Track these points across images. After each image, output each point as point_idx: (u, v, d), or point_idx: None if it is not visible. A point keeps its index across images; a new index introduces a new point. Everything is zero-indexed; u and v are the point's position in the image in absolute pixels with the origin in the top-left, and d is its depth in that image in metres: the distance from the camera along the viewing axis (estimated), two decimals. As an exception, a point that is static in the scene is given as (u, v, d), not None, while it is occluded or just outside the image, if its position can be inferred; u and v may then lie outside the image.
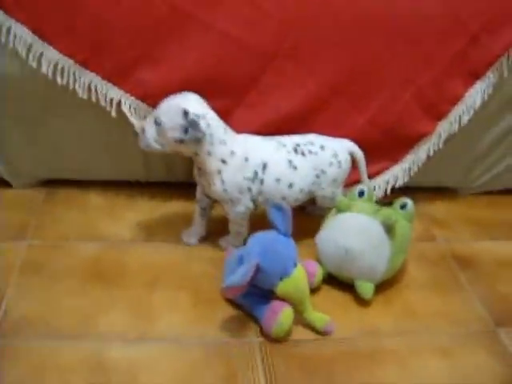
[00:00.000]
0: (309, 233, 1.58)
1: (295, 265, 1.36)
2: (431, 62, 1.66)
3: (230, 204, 1.53)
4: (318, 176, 1.58)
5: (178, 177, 1.80)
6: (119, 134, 1.70)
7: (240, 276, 1.30)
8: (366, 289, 1.47)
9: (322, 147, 1.59)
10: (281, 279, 1.34)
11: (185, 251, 1.62)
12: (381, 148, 1.73)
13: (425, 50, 1.65)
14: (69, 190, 1.82)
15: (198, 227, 1.65)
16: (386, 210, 1.51)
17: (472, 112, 1.72)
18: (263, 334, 1.36)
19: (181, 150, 1.47)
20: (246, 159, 1.50)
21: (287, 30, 1.57)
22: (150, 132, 1.44)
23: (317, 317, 1.39)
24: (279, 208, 1.38)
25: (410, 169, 1.79)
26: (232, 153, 1.48)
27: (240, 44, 1.57)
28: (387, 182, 1.78)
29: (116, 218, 1.72)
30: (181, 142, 1.42)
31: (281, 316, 1.33)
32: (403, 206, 1.54)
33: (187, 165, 1.70)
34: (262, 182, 1.52)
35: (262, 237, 1.39)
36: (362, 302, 1.48)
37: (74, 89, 1.58)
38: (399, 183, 1.79)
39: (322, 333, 1.38)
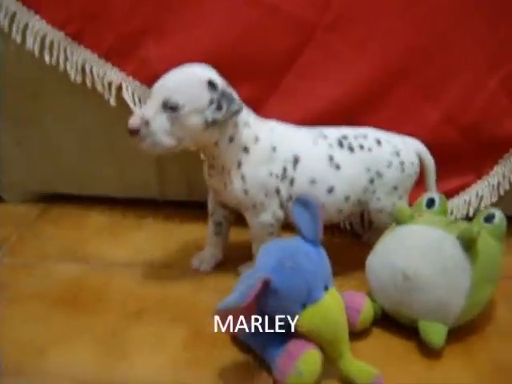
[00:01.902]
0: (362, 265, 1.10)
1: (326, 288, 0.91)
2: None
3: (253, 212, 1.10)
4: (371, 181, 1.14)
5: (200, 195, 1.35)
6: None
7: (238, 295, 0.85)
8: (434, 333, 0.98)
9: (379, 142, 1.15)
10: (303, 307, 0.89)
11: (190, 280, 1.19)
12: (459, 155, 1.27)
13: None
14: (68, 207, 1.48)
15: (211, 249, 1.22)
16: (464, 223, 1.03)
17: None
18: None
19: (201, 142, 1.06)
20: (274, 149, 1.09)
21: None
22: (159, 123, 1.01)
23: (359, 368, 0.90)
24: (305, 203, 0.94)
25: (499, 185, 1.30)
26: (256, 139, 1.08)
27: (270, 10, 1.20)
28: (468, 204, 1.30)
29: (117, 239, 1.34)
30: (208, 126, 1.02)
31: (300, 362, 0.87)
32: (489, 218, 1.06)
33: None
34: (292, 182, 1.10)
35: (279, 245, 0.95)
36: (430, 352, 0.99)
37: (65, 71, 1.26)
38: (485, 204, 1.31)
39: None
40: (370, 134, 1.17)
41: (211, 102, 1.01)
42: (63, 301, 1.11)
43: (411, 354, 0.99)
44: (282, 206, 1.10)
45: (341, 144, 1.13)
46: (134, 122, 1.00)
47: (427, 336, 0.98)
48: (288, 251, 0.92)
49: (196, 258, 1.22)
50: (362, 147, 1.14)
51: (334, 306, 0.91)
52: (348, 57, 1.22)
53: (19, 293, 1.13)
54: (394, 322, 1.05)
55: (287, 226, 1.10)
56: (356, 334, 1.00)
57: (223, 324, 0.87)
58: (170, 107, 1.00)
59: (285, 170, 1.09)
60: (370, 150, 1.14)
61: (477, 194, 1.30)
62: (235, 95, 1.05)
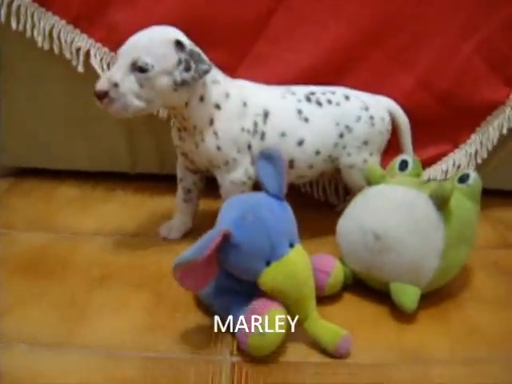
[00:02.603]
0: (334, 233, 1.04)
1: (291, 244, 0.85)
2: (503, 1, 1.16)
3: (225, 169, 1.05)
4: (341, 135, 1.10)
5: (172, 168, 1.26)
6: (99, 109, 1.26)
7: (196, 248, 0.79)
8: (406, 295, 0.92)
9: (347, 97, 1.12)
10: (267, 264, 0.83)
11: (157, 248, 1.13)
12: (435, 122, 1.22)
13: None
14: (38, 181, 1.40)
15: (181, 216, 1.16)
16: (437, 182, 0.98)
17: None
18: (239, 350, 0.85)
19: (171, 103, 1.01)
20: (245, 104, 1.05)
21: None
22: (128, 84, 0.95)
23: (326, 329, 0.85)
24: (269, 157, 0.89)
25: (476, 153, 1.24)
26: (227, 95, 1.04)
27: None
28: (445, 173, 1.25)
29: (86, 211, 1.28)
30: (177, 87, 0.97)
31: (263, 321, 0.81)
32: (464, 179, 1.00)
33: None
34: (262, 136, 1.06)
35: (241, 199, 0.89)
36: (402, 316, 0.93)
37: (32, 38, 1.19)
38: (462, 174, 1.23)
39: (332, 353, 0.83)
40: (339, 90, 1.13)
41: (179, 63, 0.96)
42: (26, 268, 1.04)
43: (383, 319, 0.94)
44: (253, 162, 1.06)
45: (308, 99, 1.10)
46: (101, 84, 0.95)
47: (399, 298, 0.92)
48: (250, 205, 0.86)
49: (164, 227, 1.17)
50: (330, 102, 1.10)
51: (299, 262, 0.84)
52: (320, 22, 1.18)
53: (-19, 260, 1.07)
54: (365, 287, 1.00)
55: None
56: (326, 299, 0.95)
57: (183, 282, 0.81)
58: (138, 68, 0.95)
59: (256, 124, 1.05)
60: (338, 104, 1.10)
61: (454, 163, 1.25)
62: (203, 55, 1.00)
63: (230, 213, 0.85)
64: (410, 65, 1.19)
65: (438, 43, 1.18)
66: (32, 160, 1.37)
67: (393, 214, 0.94)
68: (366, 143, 1.11)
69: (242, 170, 1.05)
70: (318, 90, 1.12)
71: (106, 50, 1.19)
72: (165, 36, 0.98)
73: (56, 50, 1.19)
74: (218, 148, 1.03)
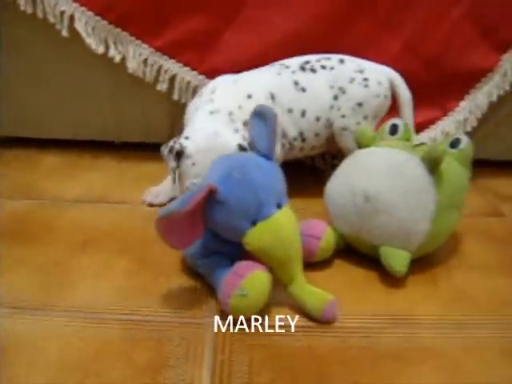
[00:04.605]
0: (322, 199, 1.00)
1: (279, 205, 0.80)
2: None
3: None
4: (336, 97, 1.06)
5: (157, 136, 1.26)
6: (84, 74, 1.21)
7: (180, 201, 0.75)
8: (396, 258, 0.88)
9: (342, 61, 1.08)
10: (253, 223, 0.78)
11: (143, 213, 1.08)
12: (424, 89, 1.15)
13: None
14: (23, 150, 1.34)
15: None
16: (428, 146, 0.93)
17: (551, 40, 1.14)
18: (223, 312, 0.81)
19: None
20: (249, 96, 1.03)
21: None
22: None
23: (311, 293, 0.80)
24: (260, 114, 0.83)
25: (465, 121, 1.19)
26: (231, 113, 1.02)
27: None
28: (434, 141, 1.19)
29: (70, 178, 1.22)
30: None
31: (246, 282, 0.76)
32: (455, 144, 0.95)
33: (167, 124, 1.25)
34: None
35: (229, 157, 0.84)
36: (391, 280, 0.89)
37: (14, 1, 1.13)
38: (451, 142, 1.18)
39: (317, 318, 0.79)
40: (335, 56, 1.09)
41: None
42: (9, 233, 1.00)
43: (372, 283, 0.90)
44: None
45: (303, 68, 1.06)
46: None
47: (389, 262, 0.88)
48: (238, 162, 0.81)
49: (150, 193, 1.11)
50: (324, 67, 1.06)
51: (286, 224, 0.79)
52: (308, -15, 1.11)
53: (-38, 227, 1.01)
54: (355, 252, 0.95)
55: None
56: (316, 264, 0.90)
57: (166, 238, 0.77)
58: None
59: None
60: (332, 68, 1.06)
61: (442, 131, 1.19)
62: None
63: (218, 169, 0.80)
64: (397, 29, 1.13)
65: (427, 6, 1.12)
66: (16, 129, 1.31)
67: (384, 176, 0.89)
68: (360, 105, 1.06)
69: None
70: (312, 58, 1.08)
71: (90, 13, 1.12)
72: (229, 150, 0.93)
73: (40, 14, 1.13)
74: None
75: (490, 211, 1.15)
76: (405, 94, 1.10)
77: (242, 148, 0.93)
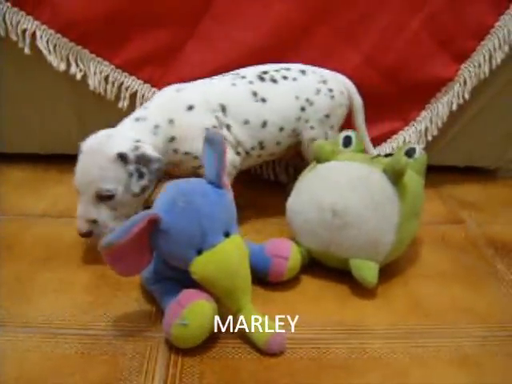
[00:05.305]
0: (282, 211, 1.00)
1: (227, 234, 0.79)
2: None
3: None
4: (303, 108, 1.06)
5: None
6: (49, 89, 1.22)
7: (121, 231, 0.74)
8: (367, 270, 0.89)
9: (304, 72, 1.08)
10: (198, 253, 0.77)
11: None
12: (385, 99, 1.18)
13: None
14: None
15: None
16: (385, 159, 0.95)
17: (507, 49, 1.15)
18: None
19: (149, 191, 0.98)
20: (190, 108, 1.00)
21: None
22: (104, 215, 0.94)
23: (258, 324, 0.78)
24: (209, 140, 0.81)
25: (426, 131, 1.21)
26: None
27: None
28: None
29: (36, 193, 1.22)
30: (143, 192, 0.94)
31: (187, 312, 0.75)
32: (410, 153, 0.97)
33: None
34: (228, 128, 1.01)
35: (176, 184, 0.82)
36: (345, 291, 0.92)
37: None
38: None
39: (263, 349, 0.77)
40: (294, 66, 1.09)
41: (131, 175, 0.92)
42: (-32, 250, 0.99)
43: (325, 294, 0.90)
44: (236, 151, 1.03)
45: (262, 78, 1.05)
46: (82, 227, 0.94)
47: (360, 274, 0.89)
48: (183, 190, 0.80)
49: None
50: (285, 78, 1.06)
51: (233, 253, 0.78)
52: (265, -1, 1.12)
53: None
54: (309, 265, 0.95)
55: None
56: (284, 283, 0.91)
57: (113, 266, 0.76)
58: (106, 197, 0.92)
59: (217, 118, 1.00)
60: (294, 79, 1.06)
61: (404, 140, 1.21)
62: (148, 152, 0.94)
63: (164, 197, 0.80)
64: (356, 41, 1.14)
65: (385, 19, 1.13)
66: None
67: (350, 190, 0.90)
68: (327, 116, 1.07)
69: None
70: (270, 68, 1.07)
71: (51, 31, 1.12)
72: (105, 155, 0.92)
73: (2, 33, 1.13)
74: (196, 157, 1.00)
75: (451, 218, 1.17)
76: (359, 101, 1.13)
77: (121, 157, 0.91)
